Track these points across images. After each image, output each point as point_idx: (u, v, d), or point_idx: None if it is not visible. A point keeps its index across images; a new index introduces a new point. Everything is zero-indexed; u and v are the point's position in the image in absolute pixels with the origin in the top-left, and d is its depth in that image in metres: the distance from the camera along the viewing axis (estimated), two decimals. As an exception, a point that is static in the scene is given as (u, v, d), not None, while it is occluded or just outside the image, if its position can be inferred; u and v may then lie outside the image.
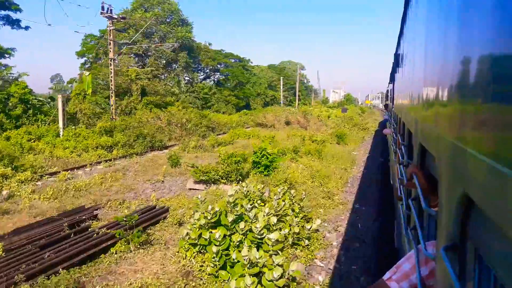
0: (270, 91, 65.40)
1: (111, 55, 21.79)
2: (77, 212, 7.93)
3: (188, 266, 5.76)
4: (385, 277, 1.61)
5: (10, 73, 23.09)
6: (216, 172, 10.59)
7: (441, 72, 1.29)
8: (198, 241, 5.87)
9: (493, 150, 0.67)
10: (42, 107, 22.39)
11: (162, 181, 11.49)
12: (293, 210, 7.54)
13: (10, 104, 19.99)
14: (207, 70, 55.45)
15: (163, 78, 43.91)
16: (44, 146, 15.14)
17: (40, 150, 14.56)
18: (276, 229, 6.32)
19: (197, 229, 6.06)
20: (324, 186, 11.30)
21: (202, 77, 54.41)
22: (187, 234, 5.99)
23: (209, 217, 6.02)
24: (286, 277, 4.76)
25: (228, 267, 5.49)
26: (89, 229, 6.88)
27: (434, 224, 1.94)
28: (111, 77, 21.54)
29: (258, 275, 4.92)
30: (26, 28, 27.53)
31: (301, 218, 7.57)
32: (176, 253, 6.18)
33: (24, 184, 10.52)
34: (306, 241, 6.67)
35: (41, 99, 24.36)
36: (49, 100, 23.74)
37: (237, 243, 5.75)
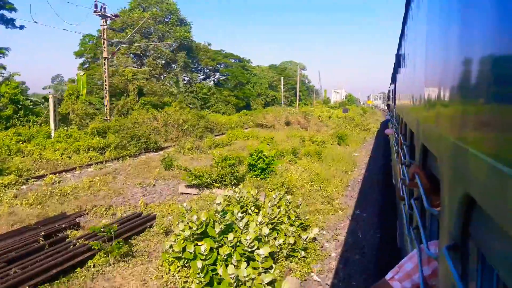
0: (271, 92, 64.91)
1: (104, 54, 21.29)
2: (57, 220, 7.40)
3: (171, 282, 5.23)
4: (387, 276, 1.60)
5: (1, 73, 22.57)
6: (209, 175, 10.06)
7: (443, 72, 1.30)
8: (182, 255, 5.34)
9: (495, 150, 0.67)
10: (34, 107, 21.86)
11: (154, 184, 10.97)
12: (289, 218, 7.01)
13: (0, 104, 19.44)
14: (207, 70, 54.99)
15: (161, 78, 43.45)
16: (33, 148, 14.61)
17: (28, 152, 14.03)
18: (268, 240, 5.78)
19: (182, 241, 5.52)
20: (324, 190, 10.76)
21: (202, 77, 53.96)
22: (171, 246, 5.46)
23: (194, 228, 5.48)
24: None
25: (215, 283, 4.97)
26: (66, 240, 6.34)
27: (436, 223, 1.96)
28: (105, 76, 21.04)
29: (246, 295, 4.39)
30: (21, 27, 27.03)
31: (298, 226, 7.05)
32: (159, 267, 5.65)
33: (8, 189, 10.00)
34: (302, 252, 6.12)
35: (33, 99, 23.85)
36: (43, 100, 23.21)
37: (225, 257, 5.21)
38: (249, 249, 5.21)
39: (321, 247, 6.87)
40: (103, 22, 21.90)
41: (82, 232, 6.97)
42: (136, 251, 6.23)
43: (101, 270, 5.54)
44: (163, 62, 44.70)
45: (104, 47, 21.62)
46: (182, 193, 10.05)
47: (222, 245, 5.46)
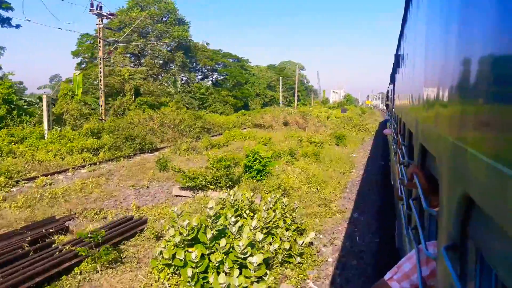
0: (269, 92, 64.63)
1: (100, 53, 21.02)
2: (45, 224, 7.16)
3: (161, 291, 5.01)
4: (386, 277, 1.60)
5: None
6: (204, 177, 9.81)
7: (442, 72, 1.30)
8: (172, 262, 5.11)
9: (494, 150, 0.67)
10: (28, 107, 21.52)
11: (147, 186, 10.73)
12: (284, 222, 6.80)
13: (-7, 104, 19.12)
14: (205, 70, 54.70)
15: (159, 78, 43.17)
16: (25, 149, 14.32)
17: (21, 153, 13.75)
18: (263, 246, 5.56)
19: (172, 247, 5.30)
20: (321, 191, 10.55)
21: (200, 77, 53.67)
22: (161, 253, 5.23)
23: (185, 234, 5.25)
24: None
25: (207, 292, 4.74)
26: (53, 245, 6.10)
27: (435, 224, 1.96)
28: (100, 76, 20.76)
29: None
30: (17, 26, 26.73)
31: (294, 231, 6.83)
32: (149, 274, 5.42)
33: (-3, 191, 9.75)
34: (298, 258, 5.90)
35: (27, 99, 23.50)
36: (38, 100, 22.89)
37: (217, 264, 4.99)
38: (242, 256, 4.98)
39: (318, 252, 6.65)
40: (99, 21, 21.63)
41: (71, 237, 6.73)
42: (125, 257, 6.00)
43: (88, 278, 5.31)
44: (161, 61, 44.42)
45: (100, 46, 21.36)
46: (176, 196, 9.81)
47: (214, 251, 5.24)
